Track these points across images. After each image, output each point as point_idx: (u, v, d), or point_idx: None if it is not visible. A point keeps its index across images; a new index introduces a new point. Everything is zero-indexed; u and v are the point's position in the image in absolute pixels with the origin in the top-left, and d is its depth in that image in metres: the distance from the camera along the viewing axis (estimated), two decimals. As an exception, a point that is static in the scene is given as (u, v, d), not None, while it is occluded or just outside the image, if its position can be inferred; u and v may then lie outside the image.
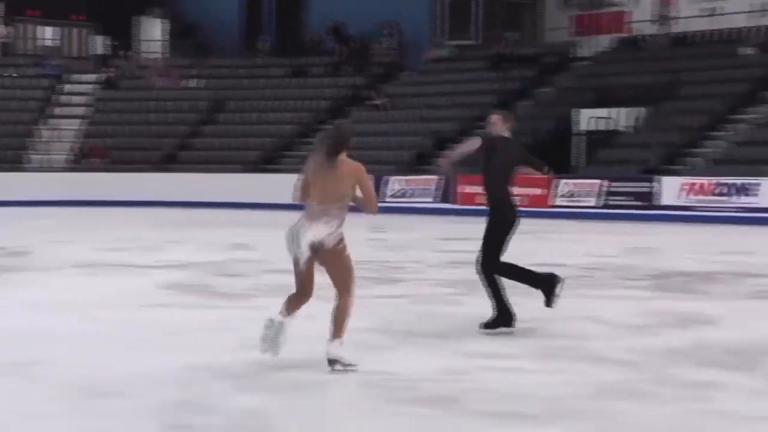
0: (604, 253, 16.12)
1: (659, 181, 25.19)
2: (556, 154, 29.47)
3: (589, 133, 30.60)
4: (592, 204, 26.01)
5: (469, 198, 28.74)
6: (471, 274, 12.85)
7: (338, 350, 6.86)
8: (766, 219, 22.83)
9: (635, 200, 25.30)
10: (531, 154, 8.69)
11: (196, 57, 37.64)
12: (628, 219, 24.35)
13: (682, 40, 32.14)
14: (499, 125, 8.52)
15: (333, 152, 6.82)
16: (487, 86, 33.96)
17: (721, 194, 24.10)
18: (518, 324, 8.92)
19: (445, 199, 28.90)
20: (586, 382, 6.63)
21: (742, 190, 23.84)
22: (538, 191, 27.33)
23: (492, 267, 8.39)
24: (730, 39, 31.17)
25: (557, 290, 8.52)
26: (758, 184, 23.71)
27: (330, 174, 6.82)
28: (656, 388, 6.47)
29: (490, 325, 8.40)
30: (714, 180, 24.44)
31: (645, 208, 25.03)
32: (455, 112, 33.44)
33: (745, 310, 9.79)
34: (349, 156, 6.91)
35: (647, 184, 25.39)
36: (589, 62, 33.82)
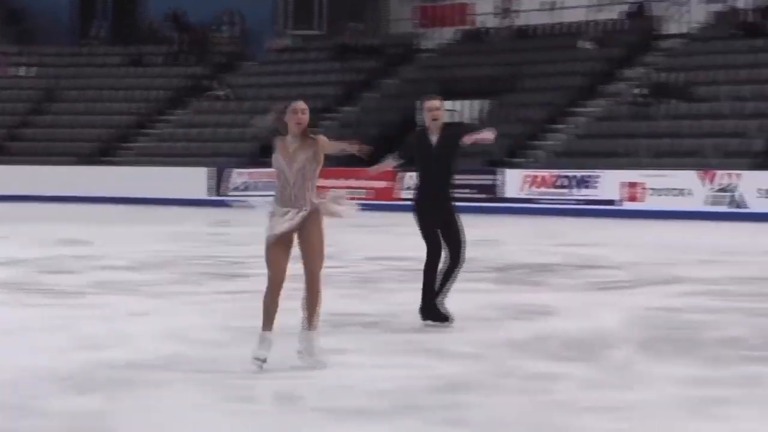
0: (448, 245, 16.33)
1: (502, 174, 25.72)
2: (401, 146, 29.70)
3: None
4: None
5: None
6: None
7: (312, 342, 6.75)
8: (605, 211, 23.59)
9: (479, 192, 25.76)
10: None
11: (25, 44, 36.42)
12: (472, 211, 24.74)
13: (524, 33, 32.87)
14: (438, 107, 8.55)
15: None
16: (332, 77, 34.01)
17: (562, 186, 24.77)
18: (360, 318, 8.95)
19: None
20: (428, 375, 6.68)
21: (582, 182, 24.57)
22: (383, 184, 27.53)
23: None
24: (569, 32, 32.04)
25: (431, 320, 8.33)
26: (598, 177, 24.47)
27: None
28: (499, 381, 6.57)
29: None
30: (555, 172, 25.11)
31: (488, 200, 25.50)
32: (299, 104, 33.30)
33: (586, 302, 10.07)
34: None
35: (490, 177, 25.89)
36: (434, 54, 34.23)
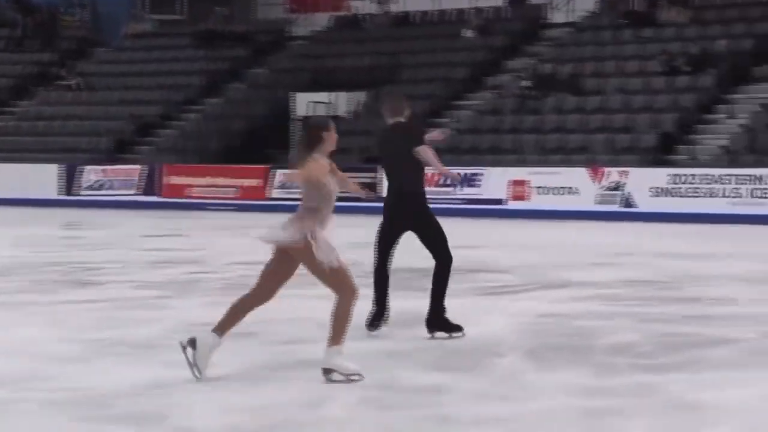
0: (323, 249, 16.35)
1: (382, 171, 25.84)
2: (271, 141, 29.72)
3: (307, 118, 30.94)
4: (311, 196, 26.37)
5: (177, 190, 28.46)
6: (179, 274, 12.77)
7: (337, 359, 6.75)
8: (491, 211, 23.92)
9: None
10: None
11: None
12: (350, 212, 24.84)
13: (403, 21, 33.12)
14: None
15: (303, 150, 6.97)
16: (195, 66, 33.72)
17: (444, 185, 25.04)
18: (234, 329, 8.89)
19: (149, 192, 28.44)
20: (306, 389, 6.68)
21: (465, 180, 24.86)
22: (253, 182, 27.44)
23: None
24: (451, 20, 32.43)
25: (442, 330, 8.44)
26: (481, 174, 24.80)
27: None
28: (380, 394, 6.61)
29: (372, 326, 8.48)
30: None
31: (366, 199, 25.61)
32: (159, 95, 32.96)
33: (472, 308, 10.19)
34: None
35: (370, 174, 26.01)
36: (306, 42, 34.24)
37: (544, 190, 24.01)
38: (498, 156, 25.83)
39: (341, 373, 6.78)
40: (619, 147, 25.05)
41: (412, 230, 8.79)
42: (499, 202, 24.30)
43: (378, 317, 8.72)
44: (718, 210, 22.16)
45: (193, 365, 6.78)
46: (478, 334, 8.70)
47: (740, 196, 22.40)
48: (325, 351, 6.88)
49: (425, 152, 8.55)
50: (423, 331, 8.91)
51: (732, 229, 20.34)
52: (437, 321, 8.60)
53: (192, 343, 6.86)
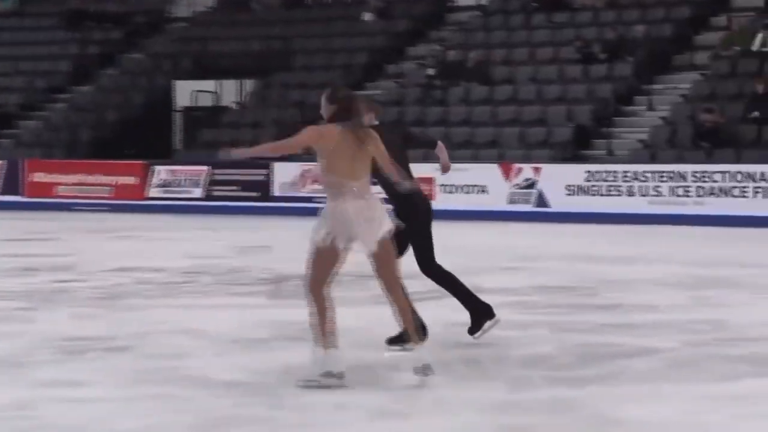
0: (208, 253, 16.24)
1: (273, 168, 25.78)
2: (150, 134, 29.45)
3: (190, 109, 30.77)
4: (195, 195, 26.16)
5: (43, 189, 28.01)
6: (45, 283, 12.56)
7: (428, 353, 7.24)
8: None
9: (246, 190, 25.73)
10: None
11: None
12: (238, 212, 24.74)
13: (296, 2, 33.08)
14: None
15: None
16: (62, 50, 33.22)
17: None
18: (102, 342, 8.77)
19: (10, 191, 27.93)
20: (184, 410, 6.61)
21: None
22: (130, 180, 27.14)
23: (434, 264, 8.77)
24: (349, 2, 32.48)
25: (488, 325, 8.73)
26: (384, 171, 24.89)
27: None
28: (273, 413, 6.57)
29: (473, 329, 8.70)
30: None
31: (258, 199, 25.51)
32: (21, 81, 32.43)
33: (374, 318, 10.20)
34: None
35: (260, 171, 25.91)
36: (187, 24, 33.99)
37: (451, 188, 24.13)
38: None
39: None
40: (532, 141, 25.32)
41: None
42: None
43: (477, 318, 8.78)
44: (638, 210, 22.54)
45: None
46: (376, 346, 8.69)
47: (661, 195, 22.80)
48: (420, 352, 7.36)
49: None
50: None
51: (653, 229, 20.69)
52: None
53: (427, 368, 7.28)
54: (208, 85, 30.50)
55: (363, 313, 10.47)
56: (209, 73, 30.87)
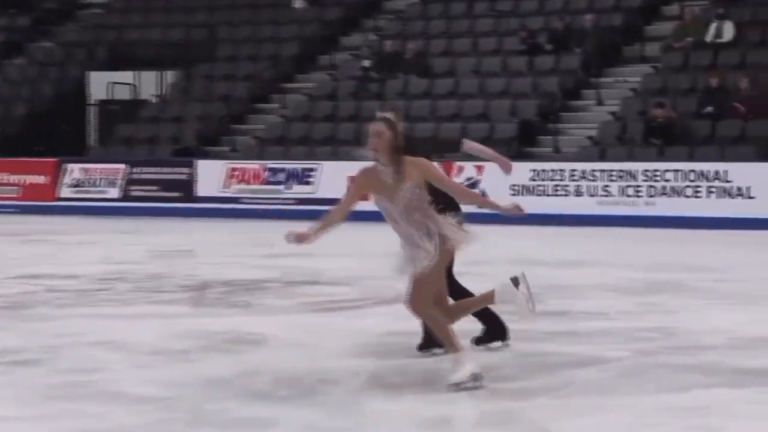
0: (126, 258, 16.16)
1: (196, 166, 25.69)
2: (61, 129, 29.21)
3: (105, 102, 30.57)
4: (111, 195, 26.00)
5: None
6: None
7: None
8: (322, 212, 23.97)
9: (166, 190, 25.62)
10: None
11: None
12: (158, 214, 24.62)
13: (221, -13, 33.01)
14: None
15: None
16: (-35, 39, 32.88)
17: (271, 182, 25.00)
18: (7, 356, 8.70)
19: None
20: (100, 428, 6.59)
21: (297, 176, 24.88)
22: (40, 179, 26.91)
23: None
24: (279, -12, 32.45)
25: (496, 343, 9.05)
26: (314, 170, 24.86)
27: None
28: (193, 430, 6.57)
29: (482, 339, 9.00)
30: (262, 164, 25.29)
31: (180, 200, 25.41)
32: None
33: (303, 327, 10.21)
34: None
35: (181, 170, 25.81)
36: (102, 11, 33.77)
37: (387, 187, 24.28)
38: (335, 147, 25.93)
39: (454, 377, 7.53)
40: (474, 137, 25.32)
41: None
42: (336, 202, 24.41)
43: (486, 334, 9.07)
44: (586, 210, 22.70)
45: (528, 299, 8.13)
46: (311, 358, 8.71)
47: (610, 195, 22.99)
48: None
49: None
50: (244, 354, 8.89)
51: (602, 231, 20.86)
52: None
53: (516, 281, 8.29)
54: (125, 76, 30.32)
55: (290, 322, 10.48)
56: (126, 63, 30.69)
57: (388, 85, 27.59)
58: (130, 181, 25.97)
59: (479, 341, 9.08)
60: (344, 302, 11.83)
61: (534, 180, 23.41)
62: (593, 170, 23.15)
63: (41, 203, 26.12)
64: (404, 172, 7.78)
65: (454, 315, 8.03)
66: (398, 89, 27.43)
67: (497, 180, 23.65)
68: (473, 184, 23.45)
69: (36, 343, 9.23)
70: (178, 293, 12.54)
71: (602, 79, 26.77)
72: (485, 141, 25.18)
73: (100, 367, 8.33)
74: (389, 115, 8.74)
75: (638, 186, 22.79)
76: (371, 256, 16.40)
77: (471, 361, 7.64)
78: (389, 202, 7.87)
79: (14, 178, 27.08)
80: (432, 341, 8.48)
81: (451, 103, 26.56)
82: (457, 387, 7.49)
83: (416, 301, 7.72)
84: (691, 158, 23.01)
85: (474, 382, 7.52)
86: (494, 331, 9.11)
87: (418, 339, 9.54)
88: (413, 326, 10.12)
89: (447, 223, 7.86)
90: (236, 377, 7.96)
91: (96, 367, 8.30)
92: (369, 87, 27.75)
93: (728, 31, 25.92)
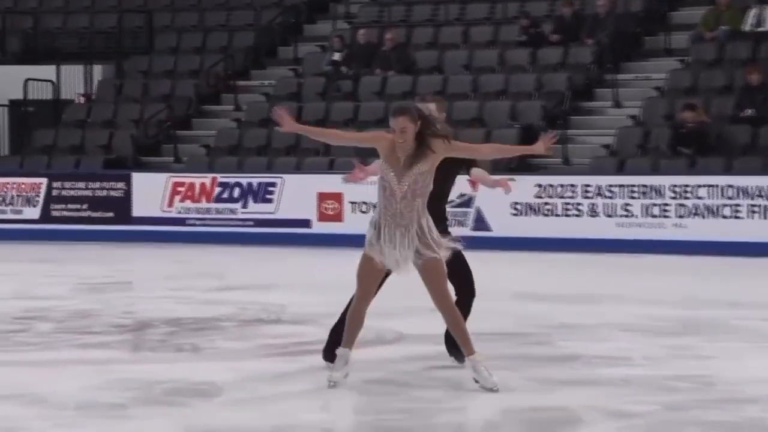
0: (47, 293, 16.11)
1: (131, 181, 25.59)
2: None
3: (19, 103, 30.44)
4: (28, 216, 25.90)
5: None
6: None
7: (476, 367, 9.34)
8: (287, 236, 23.92)
9: (95, 210, 25.52)
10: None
11: None
12: (86, 239, 24.54)
13: (162, -35, 32.99)
14: (435, 115, 10.08)
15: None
16: None
17: (222, 200, 24.92)
18: None
19: None
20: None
21: (252, 193, 24.81)
22: None
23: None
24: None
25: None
26: (274, 185, 24.80)
27: None
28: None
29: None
30: (213, 178, 25.21)
31: (111, 221, 25.32)
32: None
33: (256, 374, 10.19)
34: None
35: (114, 185, 25.72)
36: (18, -5, 33.70)
37: (363, 206, 24.17)
38: (299, 158, 25.91)
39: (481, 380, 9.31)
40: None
41: None
42: (303, 223, 24.36)
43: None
44: (603, 234, 22.67)
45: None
46: (273, 413, 8.70)
47: (631, 215, 22.96)
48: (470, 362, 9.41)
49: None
50: (194, 408, 8.86)
51: (621, 259, 20.87)
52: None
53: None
54: (45, 71, 30.20)
55: (247, 369, 10.46)
56: (45, 56, 30.61)
57: (362, 82, 27.59)
58: (52, 199, 25.88)
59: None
60: (310, 344, 11.77)
61: (540, 197, 23.39)
62: (610, 185, 23.13)
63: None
64: (422, 154, 9.20)
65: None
66: (374, 88, 27.44)
67: (497, 198, 23.61)
68: (467, 202, 23.43)
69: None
70: (111, 334, 12.49)
71: (620, 76, 26.81)
72: (480, 150, 25.23)
73: (16, 426, 8.30)
74: (430, 104, 10.09)
75: (665, 205, 22.79)
76: (341, 288, 16.34)
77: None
78: (395, 178, 9.18)
79: None
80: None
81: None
82: (489, 389, 9.21)
83: (443, 294, 9.35)
84: (728, 171, 23.03)
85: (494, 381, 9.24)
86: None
87: (403, 390, 9.55)
88: (397, 374, 10.10)
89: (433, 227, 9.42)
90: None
91: (11, 427, 8.27)
92: (340, 85, 27.75)
93: (771, 18, 26.00)
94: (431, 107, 10.16)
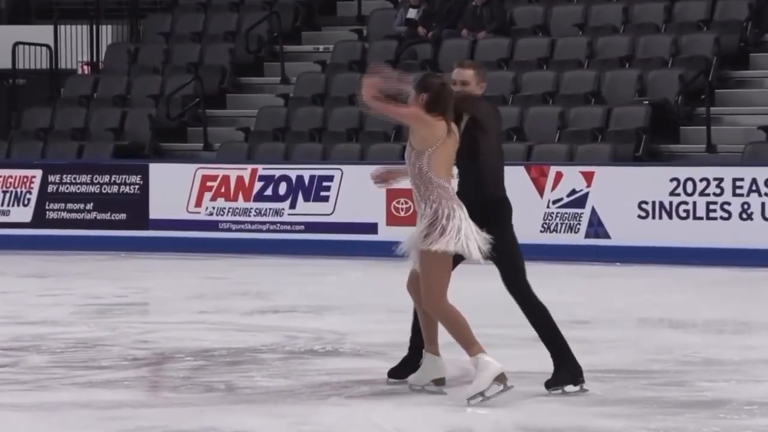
0: (42, 316, 16.22)
1: (149, 174, 25.65)
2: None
3: (7, 74, 30.62)
4: (19, 219, 26.06)
5: None
6: None
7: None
8: (345, 244, 23.94)
9: (103, 211, 25.61)
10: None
11: None
12: (91, 247, 24.62)
13: None
14: (473, 85, 11.29)
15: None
16: None
17: (266, 198, 24.94)
18: None
19: None
20: None
21: (305, 188, 24.87)
22: None
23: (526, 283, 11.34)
24: None
25: (570, 387, 11.20)
26: (331, 178, 24.84)
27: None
28: None
29: (553, 382, 11.22)
30: (254, 170, 25.23)
31: (123, 225, 25.40)
32: None
33: (301, 420, 10.25)
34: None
35: (127, 179, 25.78)
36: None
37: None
38: (363, 144, 25.92)
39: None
40: (578, 128, 25.36)
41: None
42: (368, 228, 24.37)
43: (560, 371, 11.31)
44: (758, 242, 22.42)
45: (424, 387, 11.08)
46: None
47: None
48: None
49: None
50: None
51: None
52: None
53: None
54: (39, 33, 30.41)
55: (298, 415, 10.53)
56: (40, 14, 30.83)
57: (444, 47, 27.60)
58: (48, 197, 26.03)
59: (550, 384, 11.18)
60: (377, 384, 11.83)
61: (676, 194, 23.30)
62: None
63: None
64: (423, 134, 10.75)
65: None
66: (461, 54, 27.41)
67: (618, 195, 23.55)
68: (579, 200, 23.32)
69: None
70: (123, 370, 12.57)
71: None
72: (597, 135, 25.15)
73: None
74: (467, 70, 11.24)
75: None
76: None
77: (493, 363, 10.51)
78: (408, 160, 10.89)
79: None
80: (410, 370, 11.38)
81: (543, 76, 26.53)
82: (481, 398, 10.51)
83: (429, 297, 10.79)
84: None
85: (497, 387, 10.42)
86: (565, 368, 11.23)
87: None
88: (485, 421, 10.15)
89: (464, 219, 10.80)
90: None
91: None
92: (416, 50, 27.77)
93: None
94: (467, 75, 11.13)
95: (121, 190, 25.66)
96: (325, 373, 12.41)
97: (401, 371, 11.54)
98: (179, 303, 17.97)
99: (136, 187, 25.56)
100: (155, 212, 25.47)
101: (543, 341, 11.29)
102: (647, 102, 25.40)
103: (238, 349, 13.73)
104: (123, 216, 25.58)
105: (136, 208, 25.55)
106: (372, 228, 24.20)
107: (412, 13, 28.21)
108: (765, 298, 18.60)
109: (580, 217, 23.35)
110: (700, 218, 23.04)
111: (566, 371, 11.19)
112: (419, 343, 11.38)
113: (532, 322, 11.29)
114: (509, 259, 11.30)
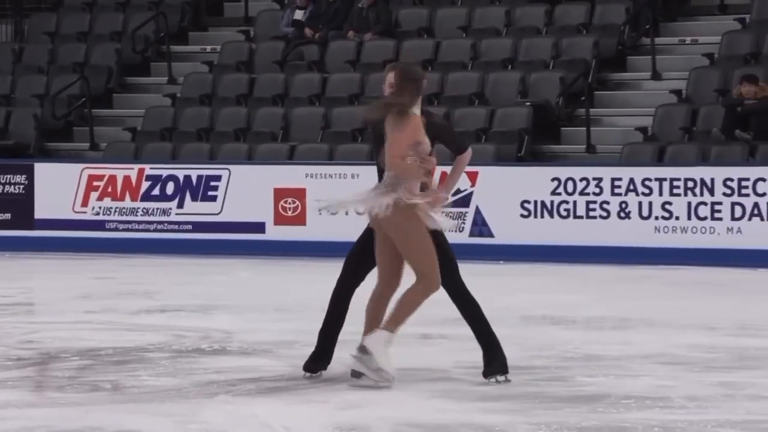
0: None
1: (34, 173, 25.49)
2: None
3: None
4: None
5: None
6: None
7: (380, 345, 11.10)
8: (232, 243, 23.90)
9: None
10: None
11: None
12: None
13: None
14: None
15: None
16: None
17: (153, 197, 24.85)
18: None
19: None
20: None
21: (192, 188, 24.81)
22: None
23: (461, 285, 11.75)
24: None
25: (501, 377, 11.68)
26: (218, 178, 24.77)
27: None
28: None
29: (489, 372, 11.75)
30: (141, 169, 25.15)
31: (8, 225, 25.24)
32: None
33: (189, 419, 10.23)
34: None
35: (12, 179, 25.64)
36: None
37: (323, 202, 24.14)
38: (250, 144, 25.88)
39: (370, 370, 11.00)
40: (462, 128, 25.39)
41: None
42: (255, 227, 24.33)
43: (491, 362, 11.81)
44: (637, 241, 22.59)
45: (376, 370, 11.08)
46: None
47: (673, 217, 22.88)
48: (371, 334, 11.04)
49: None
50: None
51: (660, 273, 20.96)
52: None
53: (362, 350, 11.07)
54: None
55: (183, 413, 10.51)
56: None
57: (331, 48, 27.60)
58: None
59: (487, 374, 11.69)
60: (265, 381, 11.83)
61: (557, 194, 23.41)
62: (647, 179, 23.14)
63: None
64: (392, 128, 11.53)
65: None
66: (347, 55, 27.45)
67: (500, 195, 23.62)
68: (463, 200, 23.36)
69: None
70: (8, 370, 12.49)
71: (660, 40, 26.87)
72: (480, 135, 25.22)
73: None
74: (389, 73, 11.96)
75: (717, 204, 22.81)
76: (303, 309, 16.34)
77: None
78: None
79: None
80: (325, 362, 11.76)
81: (428, 77, 26.52)
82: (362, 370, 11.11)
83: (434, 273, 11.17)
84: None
85: (379, 378, 11.01)
86: (494, 358, 11.73)
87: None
88: (371, 418, 10.17)
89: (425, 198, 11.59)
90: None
91: None
92: (302, 51, 27.74)
93: None
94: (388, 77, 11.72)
95: (5, 189, 25.49)
96: (213, 372, 12.39)
97: (315, 365, 11.77)
98: (65, 303, 17.90)
99: (21, 186, 25.41)
100: (41, 212, 25.33)
101: (475, 333, 11.68)
102: (529, 103, 25.53)
103: (125, 348, 13.68)
104: (8, 216, 25.43)
105: (21, 208, 25.40)
106: (260, 227, 24.18)
107: (298, 15, 28.21)
108: (644, 294, 18.72)
109: (465, 216, 23.44)
110: (581, 217, 23.19)
111: (499, 362, 11.64)
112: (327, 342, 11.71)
113: (465, 315, 11.66)
114: (444, 254, 11.51)
